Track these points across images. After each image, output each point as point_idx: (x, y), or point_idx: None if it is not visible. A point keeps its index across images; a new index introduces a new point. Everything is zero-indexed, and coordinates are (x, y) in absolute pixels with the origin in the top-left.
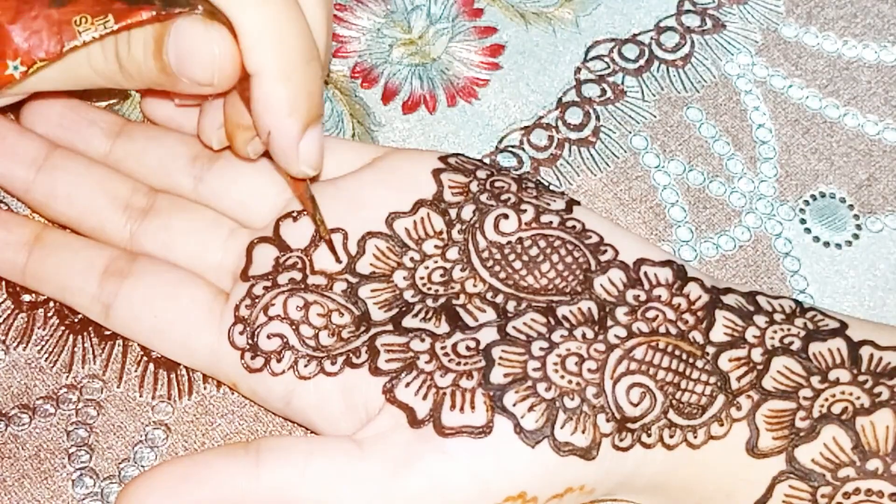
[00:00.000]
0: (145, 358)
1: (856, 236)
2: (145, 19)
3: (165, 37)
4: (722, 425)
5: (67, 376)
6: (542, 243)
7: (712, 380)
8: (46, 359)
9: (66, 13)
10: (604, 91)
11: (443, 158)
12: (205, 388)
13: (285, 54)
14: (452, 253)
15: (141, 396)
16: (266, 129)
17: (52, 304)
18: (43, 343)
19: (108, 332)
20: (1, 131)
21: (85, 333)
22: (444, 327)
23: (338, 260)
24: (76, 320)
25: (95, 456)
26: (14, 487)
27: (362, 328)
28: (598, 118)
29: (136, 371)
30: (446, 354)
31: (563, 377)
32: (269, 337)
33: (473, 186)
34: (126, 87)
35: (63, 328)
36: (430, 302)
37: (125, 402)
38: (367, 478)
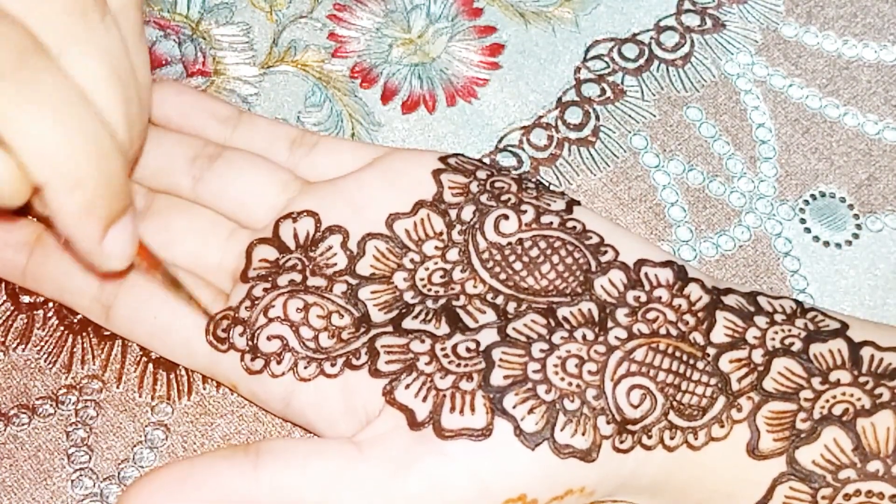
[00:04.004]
0: (145, 358)
1: (856, 236)
2: None
3: None
4: (722, 427)
5: (67, 377)
6: (543, 244)
7: (713, 381)
8: (46, 359)
9: None
10: (603, 90)
11: (443, 159)
12: (204, 389)
13: (69, 164)
14: (452, 254)
15: (140, 397)
16: (63, 234)
17: (51, 304)
18: (42, 344)
19: (107, 333)
20: None
21: (84, 334)
22: (444, 329)
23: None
24: (75, 321)
25: (95, 456)
26: (13, 488)
27: (362, 330)
28: (597, 118)
29: (135, 371)
30: (446, 356)
31: (563, 379)
32: (268, 339)
33: (473, 187)
34: None
35: (62, 329)
36: (430, 303)
37: (124, 403)
38: (366, 480)
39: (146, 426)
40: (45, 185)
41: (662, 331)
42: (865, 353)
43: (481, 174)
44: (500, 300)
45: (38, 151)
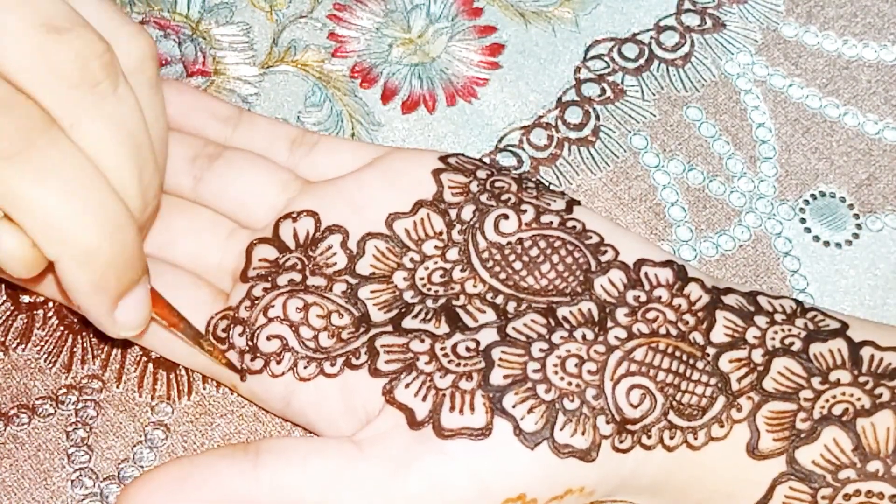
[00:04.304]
0: (144, 358)
1: (856, 235)
2: None
3: None
4: (722, 426)
5: (67, 376)
6: (543, 244)
7: (713, 381)
8: (46, 359)
9: None
10: (603, 90)
11: (443, 158)
12: (204, 389)
13: (80, 240)
14: (452, 253)
15: (140, 397)
16: (77, 305)
17: (51, 304)
18: (42, 343)
19: None
20: None
21: (84, 333)
22: (443, 328)
23: (240, 375)
24: (75, 321)
25: (95, 456)
26: (13, 487)
27: (362, 329)
28: (597, 117)
29: (135, 371)
30: (446, 355)
31: (562, 379)
32: (268, 338)
33: (473, 187)
34: None
35: (62, 328)
36: (429, 303)
37: (124, 403)
38: (366, 479)
39: (146, 426)
40: (56, 260)
41: (662, 330)
42: (865, 352)
43: (481, 174)
44: (499, 300)
45: (47, 228)
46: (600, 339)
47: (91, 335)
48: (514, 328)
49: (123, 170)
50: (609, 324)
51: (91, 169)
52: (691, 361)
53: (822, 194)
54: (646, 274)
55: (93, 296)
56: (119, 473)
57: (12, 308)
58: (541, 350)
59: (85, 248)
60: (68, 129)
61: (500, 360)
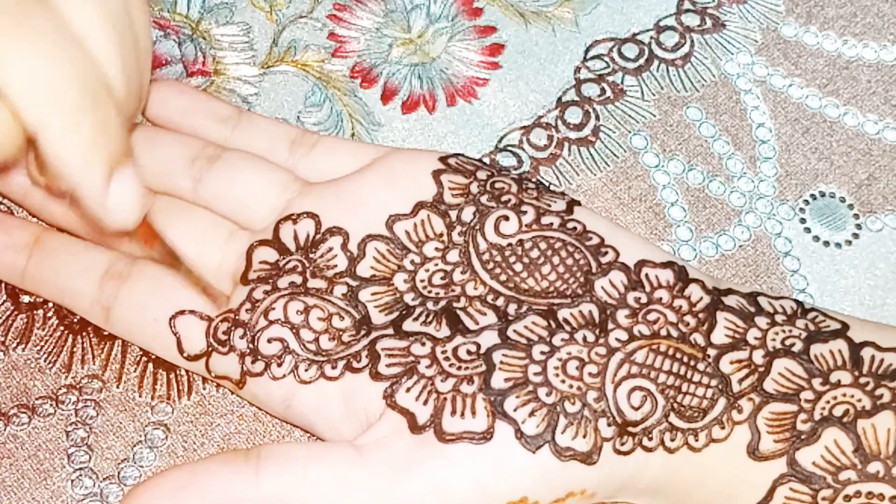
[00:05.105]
0: (144, 358)
1: (856, 236)
2: None
3: None
4: (723, 428)
5: (67, 376)
6: (543, 245)
7: (713, 382)
8: (46, 359)
9: None
10: (603, 90)
11: (443, 159)
12: (204, 389)
13: (65, 103)
14: (453, 255)
15: (140, 396)
16: (69, 186)
17: (51, 304)
18: (42, 343)
19: (107, 333)
20: None
21: (84, 333)
22: (444, 331)
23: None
24: (75, 320)
25: (95, 456)
26: (13, 487)
27: (363, 332)
28: (597, 117)
29: (135, 371)
30: (447, 359)
31: (563, 381)
32: (269, 341)
33: (474, 188)
34: None
35: (62, 328)
36: (430, 305)
37: (124, 403)
38: (367, 484)
39: (146, 426)
40: (41, 130)
41: (663, 332)
42: (866, 353)
43: (482, 175)
44: (500, 302)
45: (32, 91)
46: (601, 341)
47: (91, 335)
48: (514, 330)
49: (107, 49)
50: (610, 325)
51: (76, 40)
52: (692, 363)
53: (822, 194)
54: (646, 275)
55: (84, 167)
56: (119, 473)
57: (12, 308)
58: (542, 352)
59: (70, 113)
60: (62, 6)
61: (501, 363)
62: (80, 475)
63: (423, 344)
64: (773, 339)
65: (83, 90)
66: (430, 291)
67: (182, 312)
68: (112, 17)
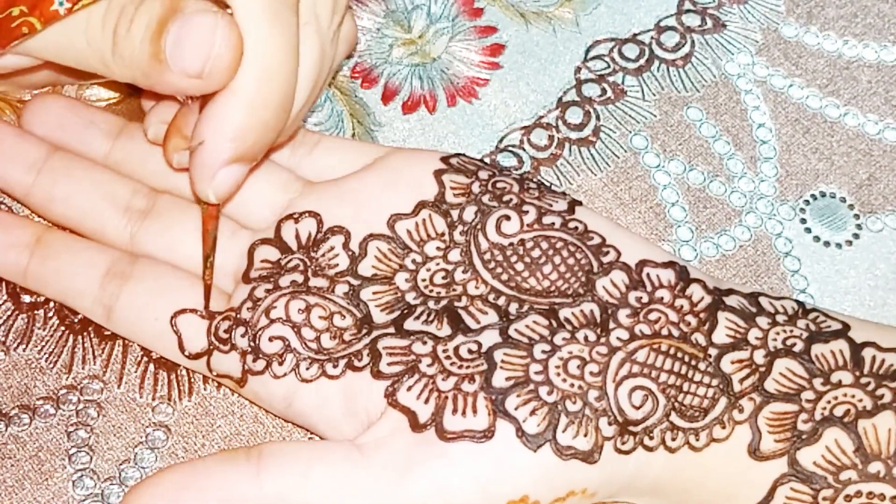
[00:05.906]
0: (145, 358)
1: (856, 236)
2: None
3: (171, 20)
4: (724, 428)
5: (68, 377)
6: (545, 245)
7: (714, 382)
8: (46, 359)
9: None
10: (604, 90)
11: (444, 159)
12: (205, 389)
13: (266, 88)
14: (454, 255)
15: (141, 397)
16: (201, 137)
17: (51, 304)
18: (43, 344)
19: (108, 333)
20: (0, 134)
21: (85, 334)
22: (445, 330)
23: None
24: (76, 321)
25: (96, 457)
26: (14, 488)
27: (364, 331)
28: (598, 118)
29: (136, 372)
30: (448, 357)
31: (565, 380)
32: (270, 339)
33: (475, 187)
34: (107, 74)
35: (63, 329)
36: (431, 304)
37: (125, 403)
38: (368, 483)
39: (147, 427)
40: (233, 90)
41: (664, 332)
42: (867, 353)
43: (483, 174)
44: (501, 301)
45: (254, 54)
46: (602, 340)
47: (92, 335)
48: (516, 330)
49: (306, 78)
50: (611, 325)
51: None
52: (693, 362)
53: (823, 194)
54: (648, 275)
55: (226, 140)
56: (120, 474)
57: (13, 308)
58: (543, 351)
59: (263, 98)
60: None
61: (503, 361)
62: (82, 476)
63: (425, 343)
64: (775, 339)
65: (283, 88)
66: (431, 290)
67: (183, 311)
68: (321, 61)
